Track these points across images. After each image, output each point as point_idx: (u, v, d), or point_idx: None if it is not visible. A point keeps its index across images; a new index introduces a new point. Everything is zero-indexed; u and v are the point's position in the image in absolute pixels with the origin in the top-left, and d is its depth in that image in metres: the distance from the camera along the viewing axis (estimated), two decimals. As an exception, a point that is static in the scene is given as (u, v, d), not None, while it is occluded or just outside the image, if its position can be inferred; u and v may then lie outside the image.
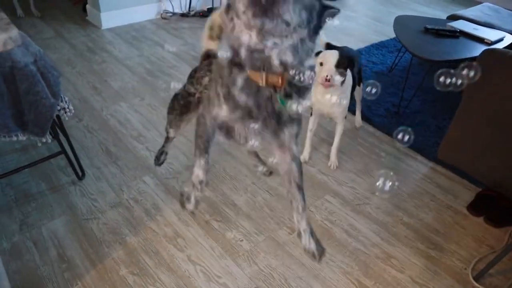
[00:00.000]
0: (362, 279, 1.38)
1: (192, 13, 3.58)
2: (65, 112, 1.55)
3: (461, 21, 2.50)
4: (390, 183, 0.78)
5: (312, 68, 0.72)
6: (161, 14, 3.48)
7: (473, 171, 1.75)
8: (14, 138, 1.40)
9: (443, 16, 3.00)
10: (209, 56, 1.19)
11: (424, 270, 1.42)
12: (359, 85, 2.03)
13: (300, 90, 0.76)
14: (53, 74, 1.43)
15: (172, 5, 3.50)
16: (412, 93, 2.35)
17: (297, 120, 0.84)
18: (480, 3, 3.09)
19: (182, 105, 1.24)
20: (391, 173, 0.78)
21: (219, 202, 1.65)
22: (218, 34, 1.18)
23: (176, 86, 1.35)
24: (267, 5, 0.60)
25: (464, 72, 0.62)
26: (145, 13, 3.42)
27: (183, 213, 1.59)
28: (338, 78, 1.55)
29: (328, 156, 1.91)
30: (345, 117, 1.83)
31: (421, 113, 2.31)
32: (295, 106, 0.75)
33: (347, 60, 1.57)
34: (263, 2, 0.59)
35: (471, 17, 2.64)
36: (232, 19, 0.66)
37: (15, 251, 1.40)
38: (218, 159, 1.88)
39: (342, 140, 1.88)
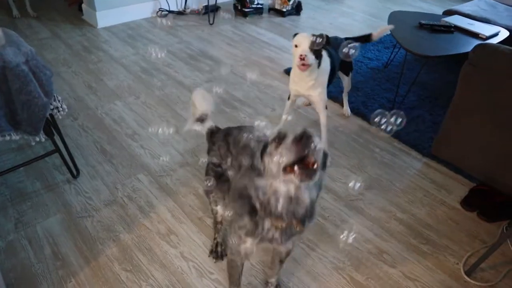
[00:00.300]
0: (354, 274, 1.39)
1: (188, 11, 3.58)
2: (58, 111, 1.56)
3: (456, 16, 2.49)
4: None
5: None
6: (157, 13, 3.48)
7: (466, 166, 1.75)
8: (7, 138, 1.41)
9: (440, 11, 3.00)
10: (212, 132, 1.30)
11: (416, 265, 1.43)
12: (347, 75, 2.07)
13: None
14: (45, 73, 1.44)
15: (168, 3, 3.50)
16: (407, 88, 2.35)
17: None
18: (477, -3, 3.07)
19: (214, 177, 1.23)
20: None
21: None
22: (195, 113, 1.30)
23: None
24: (311, 172, 0.74)
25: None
26: (140, 12, 3.42)
27: (176, 210, 1.60)
28: (311, 57, 1.60)
29: (322, 153, 1.92)
30: (326, 107, 1.84)
31: (416, 109, 2.31)
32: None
33: (322, 40, 1.60)
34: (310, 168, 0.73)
35: (467, 12, 2.63)
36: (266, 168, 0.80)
37: (10, 249, 1.42)
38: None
39: (336, 136, 1.89)
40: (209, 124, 1.30)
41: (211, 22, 3.39)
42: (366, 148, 2.01)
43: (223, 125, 1.32)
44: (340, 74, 2.07)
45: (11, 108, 1.37)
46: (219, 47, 3.02)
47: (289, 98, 1.91)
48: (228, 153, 1.14)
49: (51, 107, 1.51)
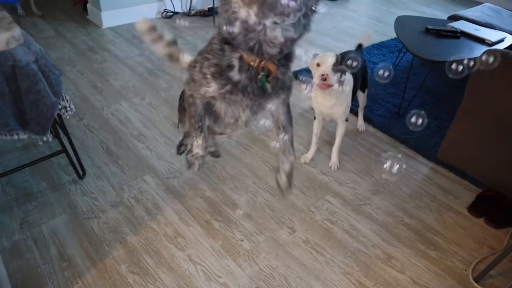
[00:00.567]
0: (362, 279, 1.38)
1: (192, 12, 3.57)
2: (66, 111, 1.55)
3: (462, 21, 2.50)
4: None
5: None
6: (162, 14, 3.48)
7: (473, 171, 1.75)
8: (15, 137, 1.40)
9: (444, 16, 3.01)
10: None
11: (425, 271, 1.42)
12: (363, 91, 2.04)
13: (284, 85, 0.80)
14: (54, 73, 1.44)
15: (173, 4, 3.50)
16: (413, 93, 2.35)
17: (288, 87, 0.84)
18: (481, 3, 3.09)
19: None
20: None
21: (220, 202, 1.65)
22: (158, 34, 1.08)
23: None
24: None
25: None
26: (145, 13, 3.41)
27: (183, 212, 1.59)
28: (334, 78, 1.55)
29: (329, 157, 1.91)
30: (347, 120, 1.83)
31: (422, 114, 2.31)
32: (270, 88, 0.77)
33: (346, 59, 1.56)
34: None
35: (472, 17, 2.64)
36: None
37: (15, 249, 1.40)
38: (218, 159, 1.88)
39: (343, 141, 1.88)
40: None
41: (216, 24, 3.38)
42: (373, 152, 2.01)
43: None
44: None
45: (19, 107, 1.36)
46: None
47: (315, 117, 1.86)
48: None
49: (59, 106, 1.50)
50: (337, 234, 1.54)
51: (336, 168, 1.88)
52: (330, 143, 1.96)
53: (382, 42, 3.18)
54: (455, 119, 1.72)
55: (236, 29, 0.66)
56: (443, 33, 2.31)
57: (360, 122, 2.19)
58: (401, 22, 2.47)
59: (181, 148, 1.37)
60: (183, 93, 1.20)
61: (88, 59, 2.73)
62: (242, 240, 1.49)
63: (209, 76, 0.77)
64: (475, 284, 1.38)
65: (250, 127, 0.96)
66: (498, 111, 1.55)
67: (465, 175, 1.85)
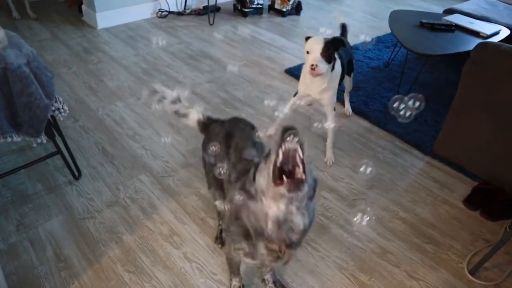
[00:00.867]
0: (357, 274, 1.38)
1: (187, 11, 3.57)
2: (60, 113, 1.55)
3: (456, 15, 2.49)
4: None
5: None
6: (157, 14, 3.48)
7: (469, 165, 1.75)
8: (9, 139, 1.40)
9: (440, 10, 2.99)
10: (205, 125, 1.31)
11: (420, 265, 1.43)
12: (349, 75, 2.06)
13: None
14: (46, 75, 1.44)
15: (168, 4, 3.50)
16: (408, 87, 2.35)
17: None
18: (477, -4, 3.07)
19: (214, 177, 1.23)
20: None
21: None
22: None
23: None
24: (299, 182, 0.74)
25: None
26: (140, 13, 3.41)
27: (179, 211, 1.60)
28: (323, 67, 1.57)
29: (324, 152, 1.91)
30: (334, 109, 1.83)
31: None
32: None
33: (333, 45, 1.57)
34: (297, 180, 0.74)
35: (468, 10, 2.63)
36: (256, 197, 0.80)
37: (12, 251, 1.41)
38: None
39: (338, 136, 1.88)
40: (196, 114, 1.29)
41: (211, 22, 3.38)
42: (368, 147, 2.01)
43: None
44: None
45: (12, 110, 1.37)
46: (219, 47, 3.02)
47: (295, 95, 1.88)
48: (226, 156, 1.12)
49: (53, 108, 1.50)
50: (332, 229, 1.54)
51: (331, 163, 1.88)
52: (324, 138, 1.96)
53: (378, 37, 3.18)
54: (450, 112, 1.72)
55: (268, 224, 0.80)
56: (437, 27, 2.30)
57: (347, 106, 2.23)
58: (395, 17, 2.47)
59: (218, 240, 1.48)
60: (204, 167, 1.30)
61: (84, 61, 2.74)
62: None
63: (242, 255, 0.98)
64: (470, 277, 1.38)
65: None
66: (493, 104, 1.55)
67: (461, 168, 1.85)
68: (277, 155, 0.73)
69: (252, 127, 1.24)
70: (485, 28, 2.28)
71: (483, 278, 1.38)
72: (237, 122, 1.25)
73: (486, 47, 1.52)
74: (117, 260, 1.39)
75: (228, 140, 1.16)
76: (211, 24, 3.38)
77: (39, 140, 1.50)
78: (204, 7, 3.53)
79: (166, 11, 3.50)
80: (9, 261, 1.38)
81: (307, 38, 1.62)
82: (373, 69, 2.73)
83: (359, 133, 2.11)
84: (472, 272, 1.39)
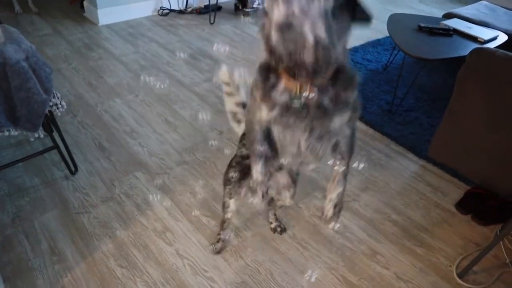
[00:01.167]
0: (347, 275, 1.40)
1: (189, 10, 3.59)
2: (57, 108, 1.57)
3: (455, 19, 2.50)
4: None
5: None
6: (158, 12, 3.50)
7: (463, 169, 1.76)
8: (6, 133, 1.43)
9: (440, 14, 3.00)
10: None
11: (409, 267, 1.44)
12: None
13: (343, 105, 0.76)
14: (45, 70, 1.46)
15: (169, 2, 3.51)
16: (405, 90, 2.36)
17: (351, 104, 0.79)
18: (477, 1, 3.08)
19: (240, 171, 1.17)
20: None
21: (209, 198, 1.67)
22: (234, 88, 1.19)
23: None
24: None
25: None
26: (142, 10, 3.43)
27: (173, 208, 1.61)
28: None
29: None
30: None
31: (414, 111, 2.32)
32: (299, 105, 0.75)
33: None
34: None
35: (467, 15, 2.64)
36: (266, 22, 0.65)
37: (7, 243, 1.43)
38: (209, 156, 1.90)
39: (333, 138, 1.89)
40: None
41: (211, 21, 3.40)
42: (363, 149, 2.02)
43: (226, 126, 1.32)
44: None
45: (10, 105, 1.39)
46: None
47: None
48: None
49: (50, 104, 1.52)
50: (323, 230, 1.56)
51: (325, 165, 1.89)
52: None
53: (377, 40, 3.19)
54: (445, 116, 1.73)
55: (274, 38, 0.65)
56: (435, 31, 2.31)
57: None
58: (394, 20, 2.48)
59: (219, 245, 1.43)
60: (230, 164, 1.23)
61: (84, 57, 2.75)
62: (230, 235, 1.51)
63: (258, 100, 0.80)
64: (459, 280, 1.39)
65: (319, 158, 0.91)
66: (486, 109, 1.56)
67: (455, 172, 1.86)
68: None
69: None
70: (483, 33, 2.29)
71: (471, 281, 1.39)
72: None
73: (481, 53, 1.54)
74: (110, 254, 1.41)
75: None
76: (211, 23, 3.39)
77: (36, 135, 1.52)
78: (205, 6, 3.54)
79: (168, 9, 3.51)
80: (4, 253, 1.40)
81: None
82: (371, 71, 2.74)
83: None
84: (461, 275, 1.41)
